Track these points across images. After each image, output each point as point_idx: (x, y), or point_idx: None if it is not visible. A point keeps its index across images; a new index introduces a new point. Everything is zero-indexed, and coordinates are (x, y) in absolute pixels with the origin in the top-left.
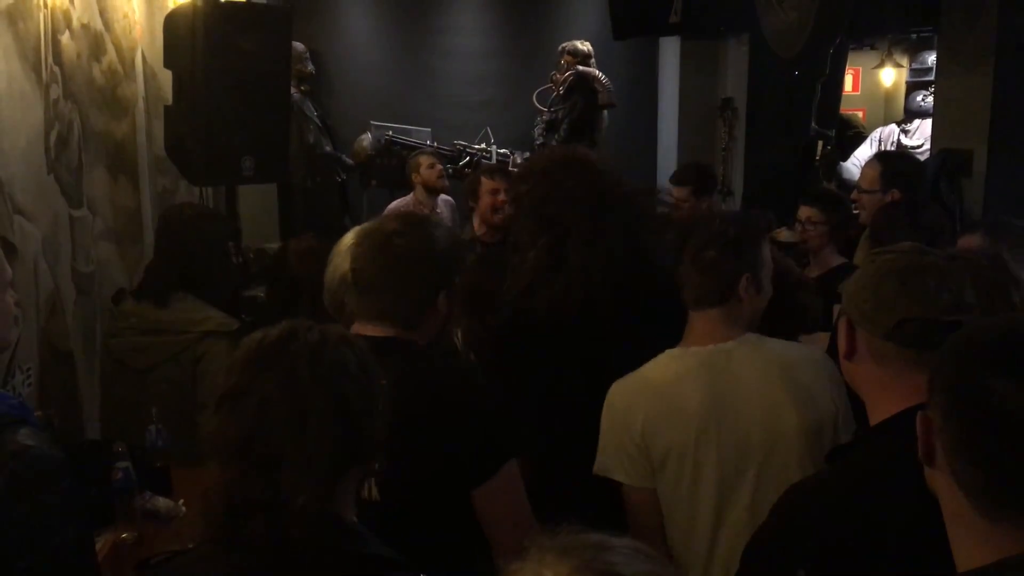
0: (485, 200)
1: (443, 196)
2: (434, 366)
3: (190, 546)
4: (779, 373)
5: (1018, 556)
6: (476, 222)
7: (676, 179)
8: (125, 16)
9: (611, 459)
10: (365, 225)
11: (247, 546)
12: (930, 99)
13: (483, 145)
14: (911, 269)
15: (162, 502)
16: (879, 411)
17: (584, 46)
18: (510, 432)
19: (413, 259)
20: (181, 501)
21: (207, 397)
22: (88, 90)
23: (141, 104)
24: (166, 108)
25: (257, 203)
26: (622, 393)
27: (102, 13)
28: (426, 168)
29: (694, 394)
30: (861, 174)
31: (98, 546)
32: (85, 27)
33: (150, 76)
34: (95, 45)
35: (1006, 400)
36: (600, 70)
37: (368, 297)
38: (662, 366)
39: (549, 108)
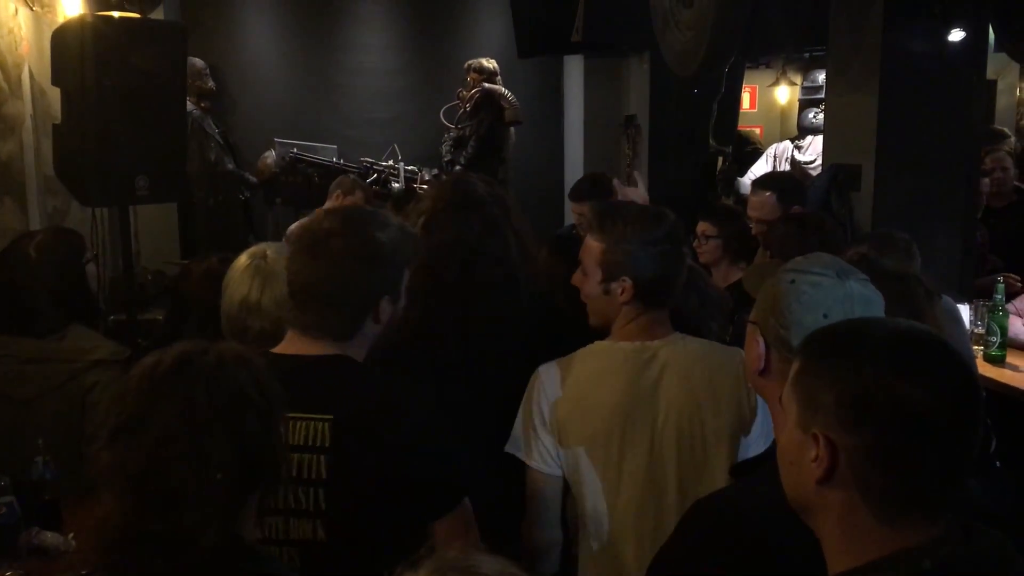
0: None
1: None
2: (380, 391)
3: (83, 573)
4: (702, 374)
5: (923, 545)
6: None
7: (574, 196)
8: (11, 32)
9: (523, 439)
10: (303, 224)
11: None
12: (821, 116)
13: (391, 162)
14: (835, 301)
15: (50, 537)
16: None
17: (490, 64)
18: (464, 465)
19: (355, 260)
20: (71, 535)
21: (97, 428)
22: None
23: (29, 123)
24: (55, 126)
25: (157, 223)
26: (546, 379)
27: None
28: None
29: (612, 390)
30: (751, 204)
31: None
32: None
33: (38, 94)
34: None
35: (917, 404)
36: (506, 87)
37: (300, 307)
38: (588, 358)
39: (456, 125)
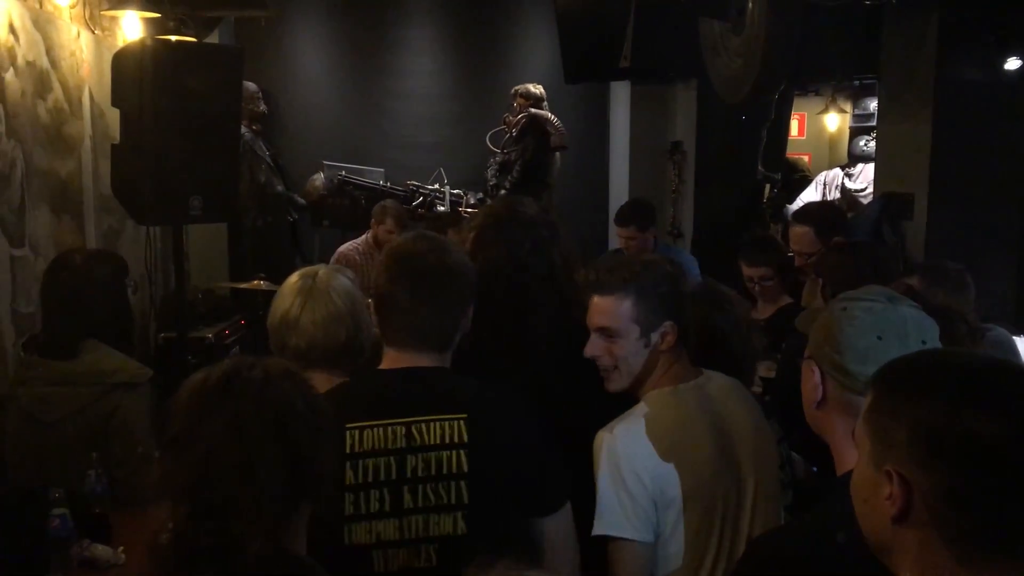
0: None
1: None
2: (500, 399)
3: None
4: (742, 399)
5: None
6: None
7: (619, 220)
8: (72, 54)
9: (617, 512)
10: (391, 246)
11: None
12: (872, 144)
13: (436, 186)
14: (888, 324)
15: (101, 550)
16: (847, 461)
17: (536, 89)
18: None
19: (448, 275)
20: (121, 548)
21: (125, 452)
22: (32, 128)
23: (88, 143)
24: (113, 147)
25: (207, 243)
26: (628, 440)
27: (48, 51)
28: (384, 231)
29: (703, 435)
30: (792, 236)
31: None
32: (30, 65)
33: (98, 115)
34: (40, 83)
35: (992, 439)
36: (552, 112)
37: (403, 320)
38: (664, 409)
39: (502, 150)
